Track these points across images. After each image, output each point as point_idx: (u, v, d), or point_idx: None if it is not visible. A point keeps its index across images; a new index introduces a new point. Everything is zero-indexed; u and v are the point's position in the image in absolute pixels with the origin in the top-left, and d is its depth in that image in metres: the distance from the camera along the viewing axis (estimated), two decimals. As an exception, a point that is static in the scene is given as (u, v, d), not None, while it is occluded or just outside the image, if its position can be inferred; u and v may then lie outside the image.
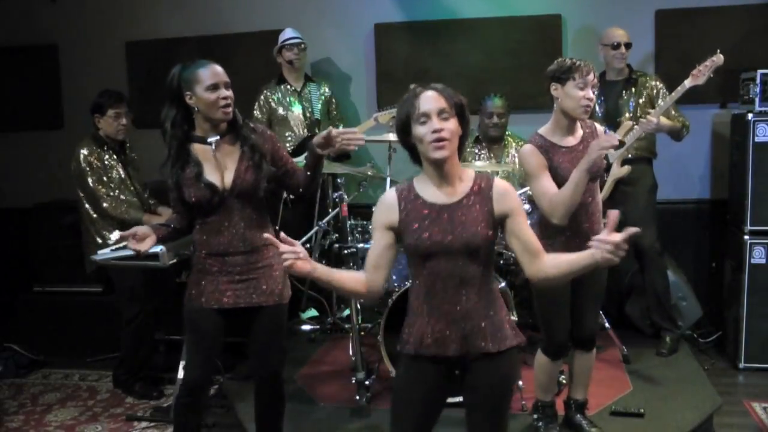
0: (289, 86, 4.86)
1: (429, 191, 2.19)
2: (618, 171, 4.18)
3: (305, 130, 4.83)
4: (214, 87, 2.67)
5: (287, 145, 4.83)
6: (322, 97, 4.92)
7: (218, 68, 2.73)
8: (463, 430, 2.31)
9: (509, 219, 2.17)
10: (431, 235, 2.14)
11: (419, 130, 2.13)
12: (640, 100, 4.28)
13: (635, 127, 4.11)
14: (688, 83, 3.92)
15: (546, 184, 2.89)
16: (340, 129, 2.84)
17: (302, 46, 4.78)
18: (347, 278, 2.24)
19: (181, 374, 3.17)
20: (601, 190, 4.11)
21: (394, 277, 3.70)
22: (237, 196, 2.72)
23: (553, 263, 2.16)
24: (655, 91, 4.27)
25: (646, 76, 4.35)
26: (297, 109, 4.84)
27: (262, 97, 4.86)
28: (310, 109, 4.85)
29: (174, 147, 2.70)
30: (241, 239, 2.74)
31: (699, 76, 3.89)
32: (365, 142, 4.72)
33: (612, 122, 4.25)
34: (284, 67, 4.85)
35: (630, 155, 4.21)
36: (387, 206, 2.22)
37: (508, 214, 2.17)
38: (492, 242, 2.18)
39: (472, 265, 2.14)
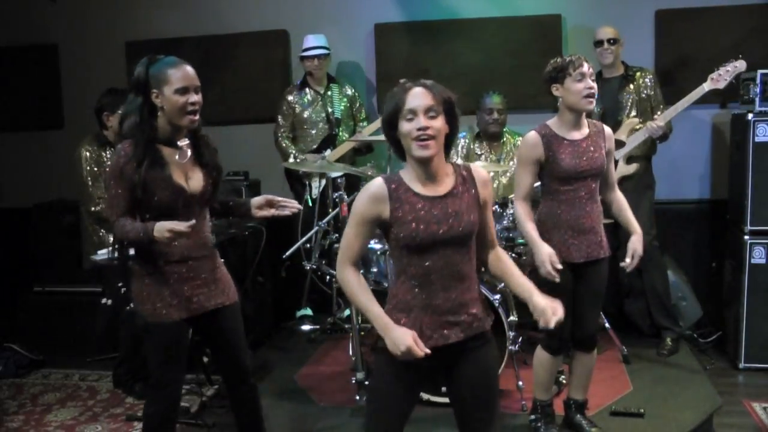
0: (311, 90, 4.92)
1: (419, 185, 2.19)
2: (625, 168, 4.22)
3: (327, 129, 4.91)
4: (184, 90, 2.55)
5: (310, 141, 4.91)
6: (344, 98, 4.98)
7: (190, 70, 2.60)
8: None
9: (483, 207, 2.26)
10: (427, 228, 2.13)
11: (405, 127, 2.13)
12: (641, 96, 4.30)
13: (638, 126, 4.12)
14: (707, 86, 3.93)
15: (525, 177, 3.03)
16: (281, 198, 2.81)
17: (322, 57, 4.83)
18: (370, 292, 2.23)
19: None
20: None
21: (392, 277, 3.70)
22: (201, 202, 2.69)
23: (499, 268, 2.34)
24: (649, 90, 4.31)
25: (641, 71, 4.37)
26: (320, 111, 4.92)
27: (285, 103, 4.93)
28: (331, 110, 4.91)
29: (141, 144, 2.53)
30: (203, 242, 2.70)
31: (719, 80, 3.91)
32: (375, 140, 4.83)
33: (612, 120, 4.26)
34: (306, 73, 4.91)
35: (631, 153, 4.23)
36: (376, 198, 2.17)
37: (486, 202, 2.27)
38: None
39: (463, 253, 2.19)
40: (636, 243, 3.05)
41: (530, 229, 3.00)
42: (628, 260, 3.05)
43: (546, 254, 2.91)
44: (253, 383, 2.93)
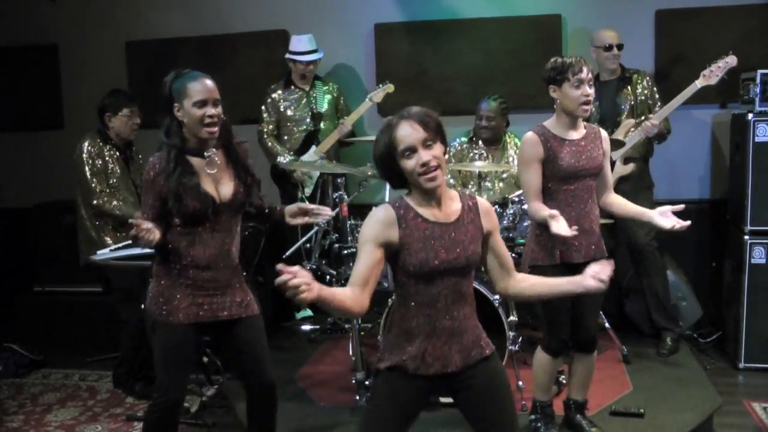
0: (296, 88, 4.93)
1: (427, 211, 2.17)
2: (622, 169, 4.22)
3: (311, 125, 4.91)
4: (202, 103, 2.60)
5: (295, 140, 4.90)
6: (328, 96, 4.98)
7: (209, 83, 2.65)
8: (464, 430, 2.32)
9: (491, 236, 2.26)
10: (437, 255, 2.12)
11: (407, 165, 2.11)
12: (639, 99, 4.30)
13: (634, 127, 4.13)
14: (699, 83, 3.94)
15: (532, 177, 3.00)
16: (313, 206, 2.90)
17: (316, 62, 4.86)
18: (347, 297, 2.06)
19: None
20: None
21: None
22: (232, 210, 2.72)
23: (529, 282, 2.31)
24: (647, 91, 4.32)
25: (638, 73, 4.38)
26: (304, 108, 4.91)
27: (269, 100, 4.92)
28: (315, 106, 4.92)
29: (173, 156, 2.62)
30: (225, 255, 2.72)
31: (711, 77, 3.92)
32: (366, 141, 4.83)
33: (610, 122, 4.26)
34: (293, 72, 4.91)
35: (628, 154, 4.23)
36: (385, 222, 2.14)
37: (491, 231, 2.26)
38: None
39: (466, 280, 2.20)
40: (664, 210, 2.85)
41: (541, 208, 2.90)
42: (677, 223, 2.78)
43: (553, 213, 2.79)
44: (274, 400, 2.90)
